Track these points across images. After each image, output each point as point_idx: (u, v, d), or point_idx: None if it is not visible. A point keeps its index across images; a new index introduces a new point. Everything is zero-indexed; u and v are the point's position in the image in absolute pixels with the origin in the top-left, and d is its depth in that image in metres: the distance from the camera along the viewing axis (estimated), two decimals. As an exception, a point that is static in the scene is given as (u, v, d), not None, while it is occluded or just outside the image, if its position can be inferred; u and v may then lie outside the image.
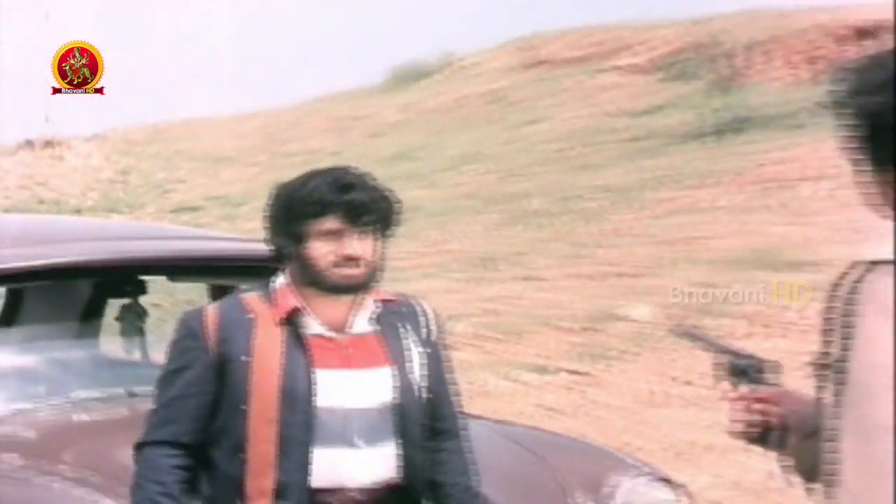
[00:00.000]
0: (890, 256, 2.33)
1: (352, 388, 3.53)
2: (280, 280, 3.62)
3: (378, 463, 3.53)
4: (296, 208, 3.55)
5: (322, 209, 3.52)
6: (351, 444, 3.51)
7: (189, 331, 3.60)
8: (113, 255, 5.74)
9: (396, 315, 3.65)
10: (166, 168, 25.73)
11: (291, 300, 3.56)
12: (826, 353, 2.40)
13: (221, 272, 6.00)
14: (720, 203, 17.85)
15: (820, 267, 13.26)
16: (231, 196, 23.08)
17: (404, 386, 3.57)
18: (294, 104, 29.95)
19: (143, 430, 3.61)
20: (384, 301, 3.65)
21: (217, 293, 6.31)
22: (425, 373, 3.63)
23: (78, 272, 5.67)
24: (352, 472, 3.51)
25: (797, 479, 2.65)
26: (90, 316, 6.19)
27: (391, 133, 26.66)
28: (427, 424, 3.63)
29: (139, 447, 3.59)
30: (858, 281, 2.36)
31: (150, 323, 6.30)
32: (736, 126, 21.65)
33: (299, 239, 3.55)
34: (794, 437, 2.66)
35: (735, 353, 2.87)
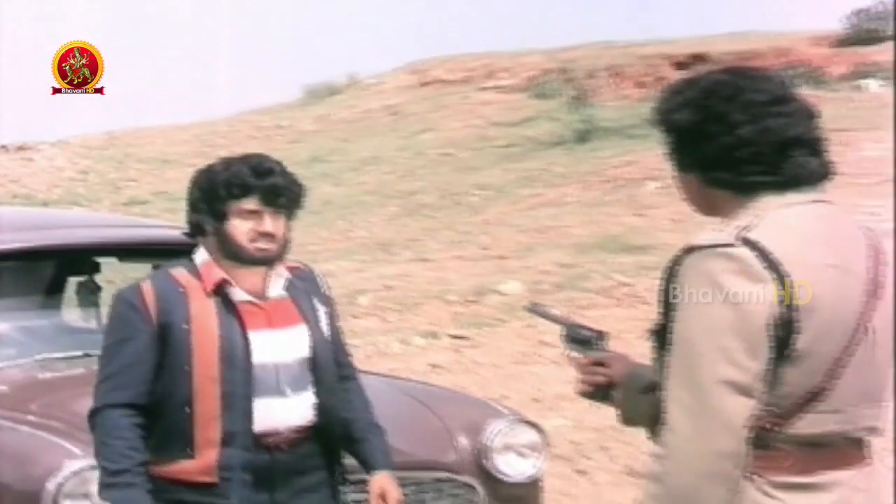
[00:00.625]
0: (702, 242, 2.35)
1: (277, 346, 3.46)
2: (201, 256, 3.51)
3: (303, 407, 3.48)
4: (218, 190, 3.44)
5: (243, 191, 3.42)
6: (282, 394, 3.44)
7: (130, 305, 3.45)
8: (73, 241, 5.69)
9: (301, 281, 3.59)
10: (119, 169, 25.40)
11: (217, 273, 3.46)
12: (660, 321, 2.42)
13: (164, 255, 5.88)
14: (576, 198, 17.95)
15: (656, 250, 13.39)
16: (173, 192, 22.81)
17: (317, 341, 3.52)
18: (226, 116, 29.73)
19: (94, 399, 3.46)
20: (291, 269, 3.59)
21: (160, 272, 6.26)
22: (328, 328, 3.58)
23: (43, 254, 5.61)
24: (284, 416, 3.44)
25: (637, 426, 2.66)
26: (53, 291, 6.11)
27: (307, 140, 26.51)
28: (335, 371, 3.59)
29: (94, 413, 3.44)
30: (679, 263, 2.37)
31: (103, 297, 6.23)
32: (590, 135, 21.78)
33: (221, 217, 3.45)
34: (626, 394, 2.67)
35: (578, 326, 2.86)
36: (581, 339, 2.84)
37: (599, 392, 2.73)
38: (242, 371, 3.39)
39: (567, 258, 14.33)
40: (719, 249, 2.31)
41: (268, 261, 3.49)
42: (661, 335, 2.38)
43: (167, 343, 3.40)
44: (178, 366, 3.39)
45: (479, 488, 4.61)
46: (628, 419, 2.68)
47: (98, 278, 6.03)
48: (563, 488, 7.22)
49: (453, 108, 27.18)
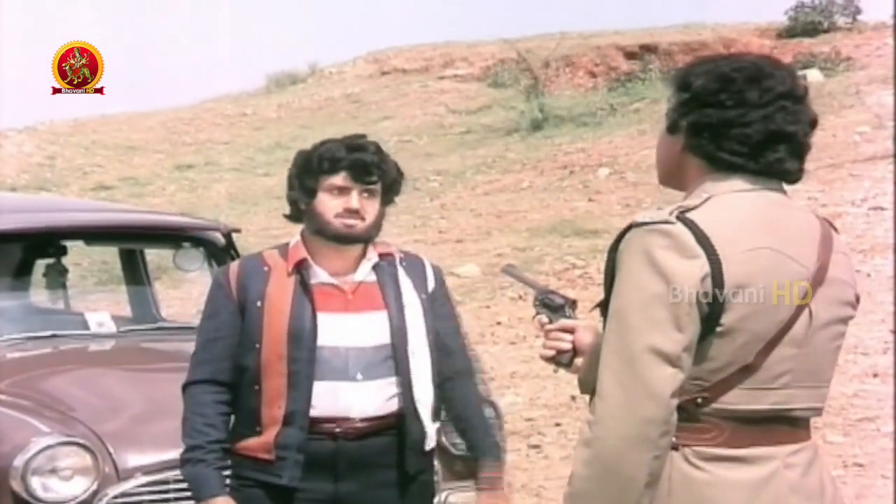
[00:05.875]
0: (642, 220, 2.36)
1: (350, 330, 3.35)
2: (296, 236, 3.43)
3: (377, 395, 3.36)
4: (311, 165, 3.37)
5: (332, 166, 3.34)
6: (352, 379, 3.33)
7: (217, 282, 3.43)
8: (41, 224, 5.67)
9: (393, 267, 3.46)
10: (86, 155, 25.17)
11: (300, 252, 3.38)
12: (606, 296, 2.42)
13: (129, 238, 5.94)
14: (531, 184, 17.98)
15: (608, 234, 13.42)
16: (139, 178, 22.70)
17: (396, 327, 3.37)
18: (191, 104, 29.50)
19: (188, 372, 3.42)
20: (383, 254, 3.47)
21: (125, 255, 6.24)
22: (423, 318, 3.42)
23: (12, 237, 5.58)
24: (353, 403, 3.33)
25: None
26: (22, 272, 6.10)
27: (270, 127, 26.40)
28: (433, 362, 3.43)
29: (185, 387, 3.40)
30: (620, 238, 2.40)
31: (70, 279, 6.21)
32: (544, 123, 21.79)
33: (311, 193, 3.36)
34: (589, 363, 2.66)
35: (550, 292, 2.85)
36: (553, 304, 2.82)
37: (563, 358, 2.72)
38: (308, 351, 3.29)
39: (522, 242, 14.37)
40: (656, 226, 2.33)
41: (351, 239, 3.38)
42: (607, 308, 2.40)
43: (244, 320, 3.34)
44: (250, 342, 3.33)
45: (436, 462, 4.62)
46: (589, 389, 2.69)
47: (65, 261, 6.02)
48: (518, 463, 7.26)
49: (412, 96, 27.13)
